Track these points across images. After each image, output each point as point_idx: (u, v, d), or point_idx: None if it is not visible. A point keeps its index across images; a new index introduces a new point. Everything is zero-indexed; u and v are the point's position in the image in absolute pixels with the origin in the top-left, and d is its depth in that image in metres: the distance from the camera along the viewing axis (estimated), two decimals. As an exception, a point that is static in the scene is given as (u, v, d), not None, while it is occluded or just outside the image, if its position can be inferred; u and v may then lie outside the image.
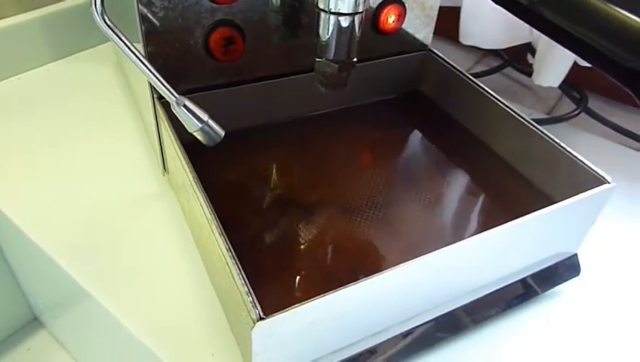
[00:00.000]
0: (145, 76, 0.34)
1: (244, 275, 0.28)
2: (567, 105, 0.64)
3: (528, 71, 0.65)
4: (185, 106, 0.35)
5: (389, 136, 0.50)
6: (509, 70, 0.70)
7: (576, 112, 0.61)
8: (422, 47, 0.52)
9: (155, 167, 0.48)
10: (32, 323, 0.64)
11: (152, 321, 0.36)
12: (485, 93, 0.46)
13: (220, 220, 0.31)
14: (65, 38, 0.63)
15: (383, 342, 0.34)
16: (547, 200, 0.41)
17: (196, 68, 0.42)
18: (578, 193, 0.35)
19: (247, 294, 0.27)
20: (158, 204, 0.45)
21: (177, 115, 0.35)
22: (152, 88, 0.41)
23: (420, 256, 0.30)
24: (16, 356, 0.61)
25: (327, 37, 0.35)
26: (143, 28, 0.38)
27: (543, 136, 0.41)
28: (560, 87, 0.61)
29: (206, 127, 0.36)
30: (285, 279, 0.36)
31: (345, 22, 0.34)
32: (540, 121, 0.58)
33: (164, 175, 0.47)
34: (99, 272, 0.39)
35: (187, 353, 0.34)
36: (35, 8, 0.60)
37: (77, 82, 0.60)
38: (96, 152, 0.50)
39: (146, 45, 0.39)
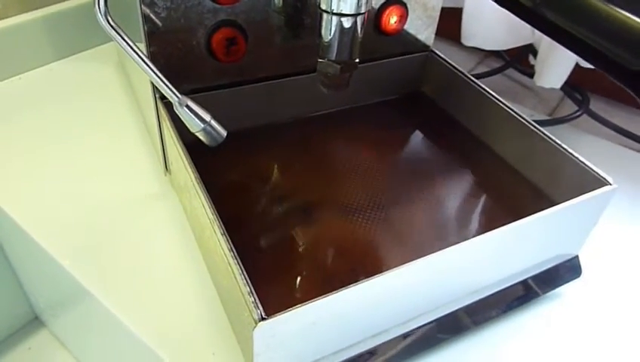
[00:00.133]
0: (147, 76, 0.34)
1: (246, 275, 0.28)
2: (569, 107, 0.64)
3: (530, 72, 0.65)
4: (187, 107, 0.35)
5: (391, 136, 0.50)
6: (510, 71, 0.70)
7: (578, 114, 0.61)
8: (424, 48, 0.52)
9: (157, 167, 0.48)
10: (33, 322, 0.64)
11: (153, 321, 0.36)
12: (487, 94, 0.46)
13: (221, 220, 0.31)
14: (67, 38, 0.63)
15: (384, 343, 0.34)
16: (548, 202, 0.41)
17: (198, 68, 0.42)
18: (579, 194, 0.35)
19: (249, 294, 0.27)
20: (159, 204, 0.45)
21: (180, 116, 0.36)
22: (155, 88, 0.41)
23: (421, 256, 0.30)
24: (17, 355, 0.61)
25: (330, 38, 0.35)
26: (145, 28, 0.38)
27: (545, 137, 0.41)
28: (562, 88, 0.61)
29: (208, 128, 0.36)
30: (287, 279, 0.36)
31: (347, 23, 0.34)
32: (541, 123, 0.58)
33: (165, 175, 0.47)
34: (100, 272, 0.39)
35: (188, 352, 0.34)
36: (37, 8, 0.60)
37: (79, 82, 0.60)
38: (98, 152, 0.50)
39: (149, 45, 0.39)
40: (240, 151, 0.45)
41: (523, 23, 0.31)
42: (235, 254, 0.29)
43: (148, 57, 0.34)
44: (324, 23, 0.35)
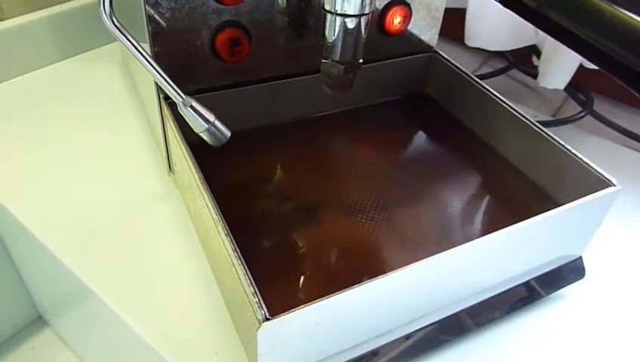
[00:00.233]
0: (151, 76, 0.34)
1: (250, 276, 0.28)
2: (573, 108, 0.64)
3: (534, 73, 0.65)
4: (192, 107, 0.35)
5: (394, 137, 0.50)
6: (514, 72, 0.70)
7: (582, 115, 0.61)
8: (427, 48, 0.52)
9: (161, 167, 0.48)
10: (37, 321, 0.64)
11: (157, 321, 0.36)
12: (490, 94, 0.46)
13: (225, 221, 0.31)
14: (71, 38, 0.63)
15: (387, 344, 0.34)
16: (552, 203, 0.41)
17: (202, 68, 0.42)
18: (583, 195, 0.35)
19: (253, 295, 0.27)
20: (163, 204, 0.45)
21: (184, 116, 0.36)
22: (159, 88, 0.41)
23: (425, 257, 0.30)
24: (20, 354, 0.61)
25: (333, 38, 0.35)
26: (149, 28, 0.38)
27: (549, 138, 0.41)
28: (565, 89, 0.61)
29: (212, 128, 0.36)
30: (290, 280, 0.36)
31: (351, 23, 0.34)
32: (545, 123, 0.58)
33: (169, 175, 0.47)
34: (104, 271, 0.39)
35: (191, 352, 0.34)
36: (41, 8, 0.60)
37: (83, 82, 0.60)
38: (102, 152, 0.50)
39: (153, 46, 0.39)
40: (244, 151, 0.45)
41: (527, 23, 0.31)
42: (239, 255, 0.29)
43: (152, 57, 0.34)
44: (327, 24, 0.35)
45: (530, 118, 0.43)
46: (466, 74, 0.48)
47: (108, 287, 0.38)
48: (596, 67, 0.30)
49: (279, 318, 0.26)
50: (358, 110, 0.52)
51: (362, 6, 0.34)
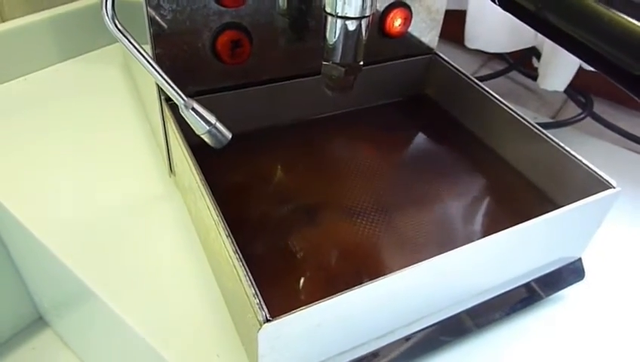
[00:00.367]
0: (153, 78, 0.35)
1: (251, 277, 0.28)
2: (573, 110, 0.64)
3: (533, 75, 0.65)
4: (193, 109, 0.35)
5: (395, 138, 0.50)
6: (514, 74, 0.70)
7: (582, 116, 0.61)
8: (427, 50, 0.52)
9: (162, 168, 0.48)
10: (37, 322, 0.64)
11: (157, 321, 0.36)
12: (490, 96, 0.46)
13: (226, 222, 0.31)
14: (72, 39, 0.63)
15: (387, 345, 0.34)
16: (552, 205, 0.41)
17: (203, 70, 0.42)
18: (583, 197, 0.35)
19: (253, 296, 0.27)
20: (164, 205, 0.45)
21: (185, 118, 0.36)
22: (160, 90, 0.41)
23: (425, 259, 0.30)
24: (21, 355, 0.62)
25: (334, 40, 0.35)
26: (151, 30, 0.38)
27: (548, 140, 0.41)
28: (565, 91, 0.61)
29: (213, 130, 0.36)
30: (291, 281, 0.36)
31: (352, 25, 0.35)
32: (544, 125, 0.58)
33: (170, 176, 0.47)
34: (104, 272, 0.39)
35: (192, 354, 0.35)
36: (43, 9, 0.60)
37: (84, 83, 0.60)
38: (103, 153, 0.50)
39: (154, 47, 0.39)
40: (245, 153, 0.45)
41: (526, 26, 0.32)
42: (240, 256, 0.29)
43: (153, 59, 0.34)
44: (328, 26, 0.35)
45: (529, 120, 0.43)
46: (466, 76, 0.49)
47: (109, 288, 0.38)
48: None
49: (280, 319, 0.26)
50: (358, 112, 0.52)
51: (363, 8, 0.34)
